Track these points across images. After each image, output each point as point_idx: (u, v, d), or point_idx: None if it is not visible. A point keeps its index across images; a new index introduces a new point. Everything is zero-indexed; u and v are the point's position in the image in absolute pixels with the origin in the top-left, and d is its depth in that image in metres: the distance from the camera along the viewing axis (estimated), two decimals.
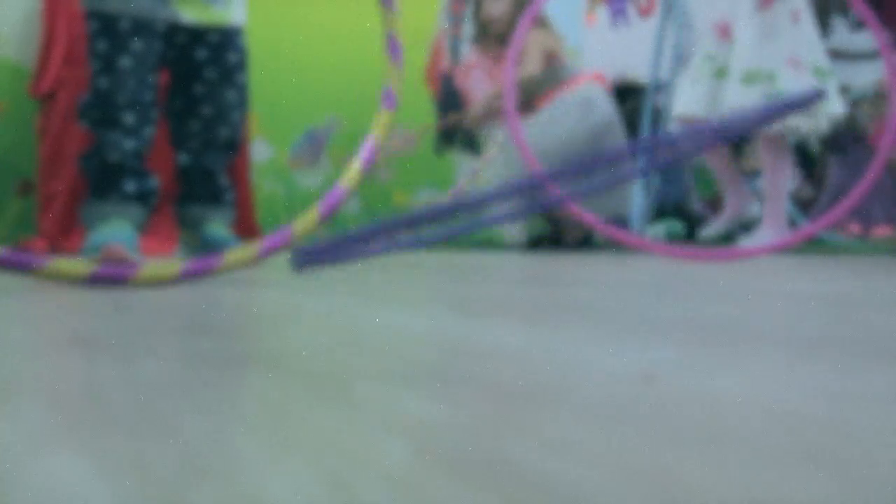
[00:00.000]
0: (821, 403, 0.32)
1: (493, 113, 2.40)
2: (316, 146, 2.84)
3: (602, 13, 3.58)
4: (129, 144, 1.48)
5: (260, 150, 2.77)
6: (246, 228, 2.44)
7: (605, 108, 2.41)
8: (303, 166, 2.87)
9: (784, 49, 2.19)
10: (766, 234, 2.23)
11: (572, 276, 1.26)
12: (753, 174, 3.26)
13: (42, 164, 2.38)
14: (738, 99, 2.18)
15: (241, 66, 1.66)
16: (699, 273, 1.30)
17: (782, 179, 2.28)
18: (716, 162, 2.40)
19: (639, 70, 3.36)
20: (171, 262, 0.88)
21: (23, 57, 2.44)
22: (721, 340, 0.51)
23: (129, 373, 0.39)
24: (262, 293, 1.02)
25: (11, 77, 2.41)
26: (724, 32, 2.29)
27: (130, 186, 1.51)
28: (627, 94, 3.44)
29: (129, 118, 1.49)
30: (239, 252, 0.96)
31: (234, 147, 1.69)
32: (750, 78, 2.22)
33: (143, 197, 1.54)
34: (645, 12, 3.65)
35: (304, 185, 2.85)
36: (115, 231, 1.44)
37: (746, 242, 2.24)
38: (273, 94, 2.76)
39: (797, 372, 0.40)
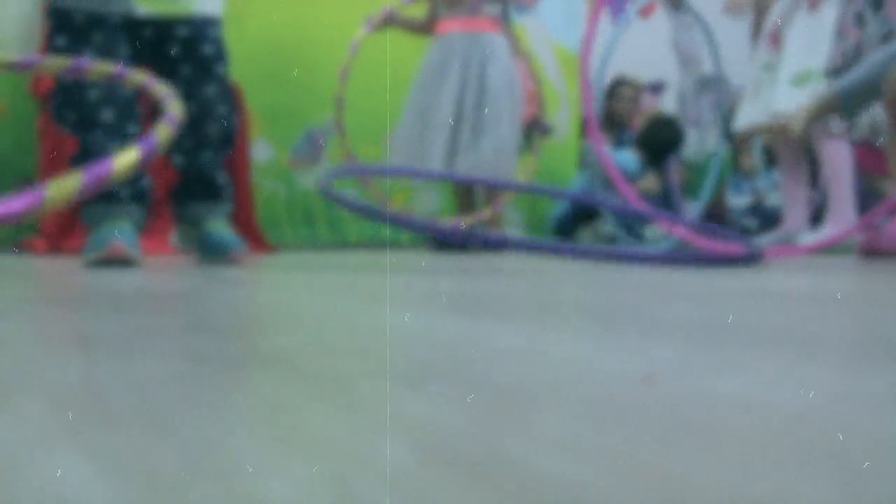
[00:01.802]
0: (821, 403, 0.32)
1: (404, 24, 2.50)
2: (316, 146, 2.84)
3: (602, 14, 3.58)
4: (113, 144, 1.44)
5: (260, 150, 2.76)
6: (247, 228, 2.44)
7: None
8: (303, 166, 2.86)
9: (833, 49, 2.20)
10: (831, 233, 2.23)
11: (572, 277, 1.26)
12: (750, 173, 3.26)
13: (42, 164, 2.38)
14: (787, 101, 2.18)
15: (217, 57, 1.59)
16: (699, 274, 1.30)
17: (845, 177, 2.27)
18: (789, 180, 2.41)
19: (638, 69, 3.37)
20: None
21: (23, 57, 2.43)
22: (721, 340, 0.51)
23: (129, 373, 0.39)
24: (262, 293, 1.02)
25: (11, 77, 2.41)
26: (775, 40, 2.31)
27: (124, 189, 1.50)
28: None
29: (107, 115, 1.46)
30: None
31: (228, 141, 1.65)
32: (800, 80, 2.21)
33: (138, 197, 1.53)
34: (645, 13, 3.65)
35: (304, 185, 2.84)
36: (117, 231, 1.44)
37: (808, 238, 2.24)
38: (273, 94, 2.75)
39: (797, 372, 0.40)
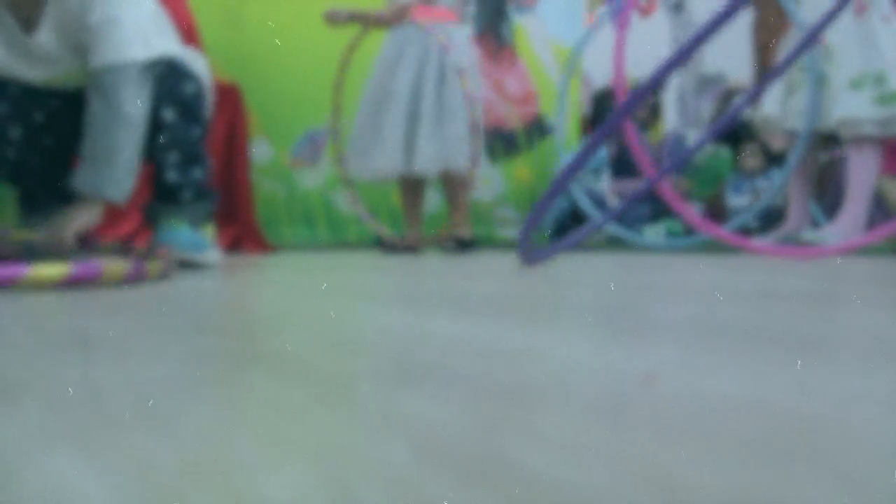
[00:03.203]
0: (821, 403, 0.32)
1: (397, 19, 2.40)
2: (316, 147, 2.84)
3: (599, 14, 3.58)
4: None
5: (260, 150, 2.76)
6: (246, 228, 2.44)
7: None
8: (303, 166, 2.87)
9: (886, 50, 2.22)
10: (837, 231, 2.24)
11: (571, 277, 1.26)
12: (750, 174, 3.26)
13: None
14: (849, 105, 2.21)
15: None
16: (698, 273, 1.30)
17: (867, 181, 2.29)
18: (796, 179, 2.43)
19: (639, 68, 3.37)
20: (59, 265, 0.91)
21: None
22: (721, 340, 0.51)
23: (129, 373, 0.39)
24: (262, 293, 1.02)
25: None
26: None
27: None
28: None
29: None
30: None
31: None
32: (858, 83, 2.24)
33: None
34: (645, 12, 3.66)
35: (304, 185, 2.84)
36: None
37: (815, 235, 2.25)
38: (273, 95, 2.75)
39: (797, 372, 0.40)
